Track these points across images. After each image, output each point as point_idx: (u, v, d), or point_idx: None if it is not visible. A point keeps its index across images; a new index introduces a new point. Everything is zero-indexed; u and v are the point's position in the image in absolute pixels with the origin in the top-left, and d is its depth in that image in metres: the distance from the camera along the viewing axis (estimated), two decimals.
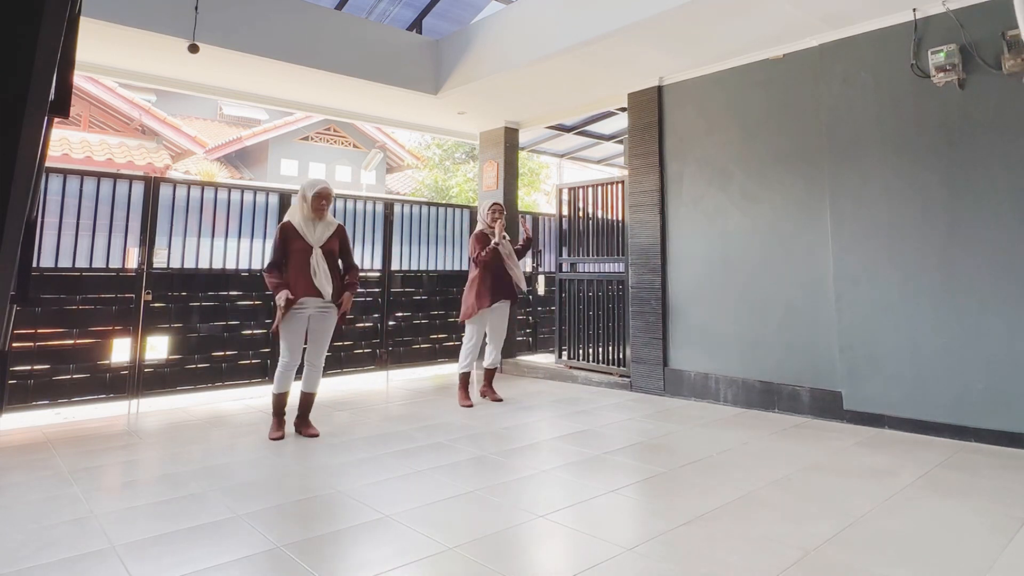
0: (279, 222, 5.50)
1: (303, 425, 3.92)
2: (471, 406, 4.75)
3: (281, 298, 3.70)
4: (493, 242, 4.75)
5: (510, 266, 4.84)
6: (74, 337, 4.54)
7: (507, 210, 6.93)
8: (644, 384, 5.34)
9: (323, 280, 3.82)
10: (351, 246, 4.16)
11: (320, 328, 3.89)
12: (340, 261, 4.02)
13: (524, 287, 4.93)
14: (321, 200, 3.89)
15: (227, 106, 15.94)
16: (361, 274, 6.13)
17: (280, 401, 3.88)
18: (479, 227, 4.92)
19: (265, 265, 3.82)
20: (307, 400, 3.95)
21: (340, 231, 4.04)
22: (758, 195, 4.76)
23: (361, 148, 15.23)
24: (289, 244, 3.83)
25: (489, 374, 5.02)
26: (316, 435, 3.85)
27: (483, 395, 4.97)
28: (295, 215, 3.90)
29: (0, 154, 0.78)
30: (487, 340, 4.96)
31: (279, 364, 3.85)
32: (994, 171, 3.67)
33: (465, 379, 4.86)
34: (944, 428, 3.76)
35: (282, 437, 3.82)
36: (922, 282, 3.90)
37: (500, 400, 4.92)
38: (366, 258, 6.24)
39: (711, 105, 5.11)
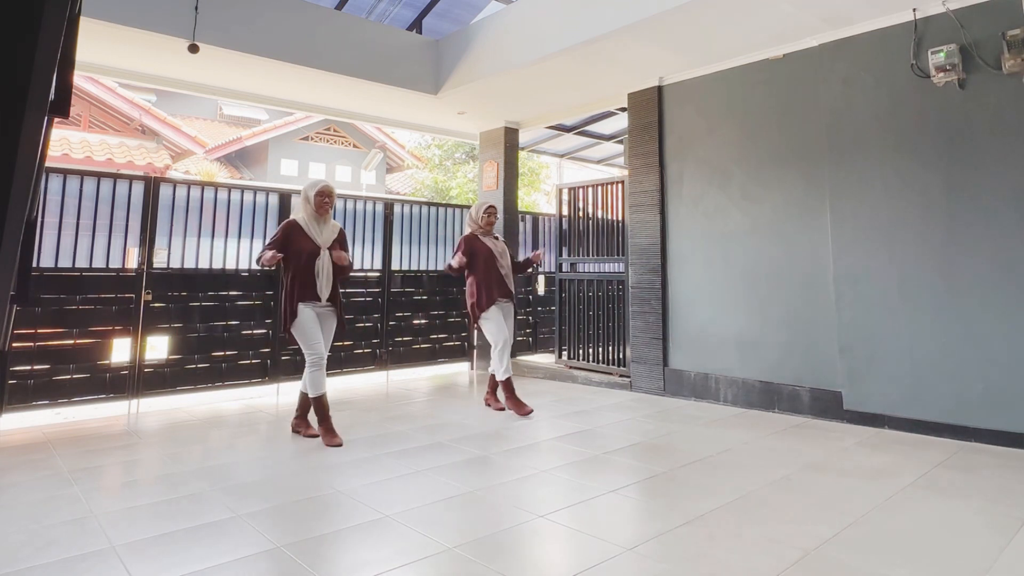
0: (279, 222, 5.54)
1: (303, 425, 3.91)
2: (502, 409, 4.61)
3: (268, 254, 3.66)
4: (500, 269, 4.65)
5: (502, 264, 4.70)
6: (74, 337, 4.54)
7: (507, 210, 6.95)
8: (644, 384, 5.34)
9: (324, 283, 3.82)
10: (347, 246, 4.17)
11: (323, 327, 3.89)
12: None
13: (512, 287, 4.76)
14: (324, 197, 3.88)
15: (227, 106, 15.94)
16: (361, 274, 6.16)
17: (322, 404, 3.72)
18: (468, 229, 4.84)
19: (263, 248, 3.76)
20: (307, 400, 3.91)
21: (342, 235, 4.07)
22: (758, 195, 4.76)
23: (361, 148, 15.23)
24: (295, 243, 3.80)
25: (494, 381, 4.74)
26: (317, 436, 3.80)
27: (486, 402, 4.78)
28: (299, 215, 3.89)
29: (0, 154, 0.78)
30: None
31: (308, 364, 3.73)
32: (994, 171, 3.67)
33: (508, 385, 4.56)
34: (944, 428, 3.76)
35: (340, 443, 3.64)
36: (922, 282, 3.90)
37: (503, 410, 4.62)
38: (366, 258, 6.24)
39: (711, 105, 5.11)
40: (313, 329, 3.75)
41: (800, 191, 4.53)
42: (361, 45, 5.58)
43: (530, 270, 4.93)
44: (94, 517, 2.52)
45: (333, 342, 4.02)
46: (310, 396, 3.77)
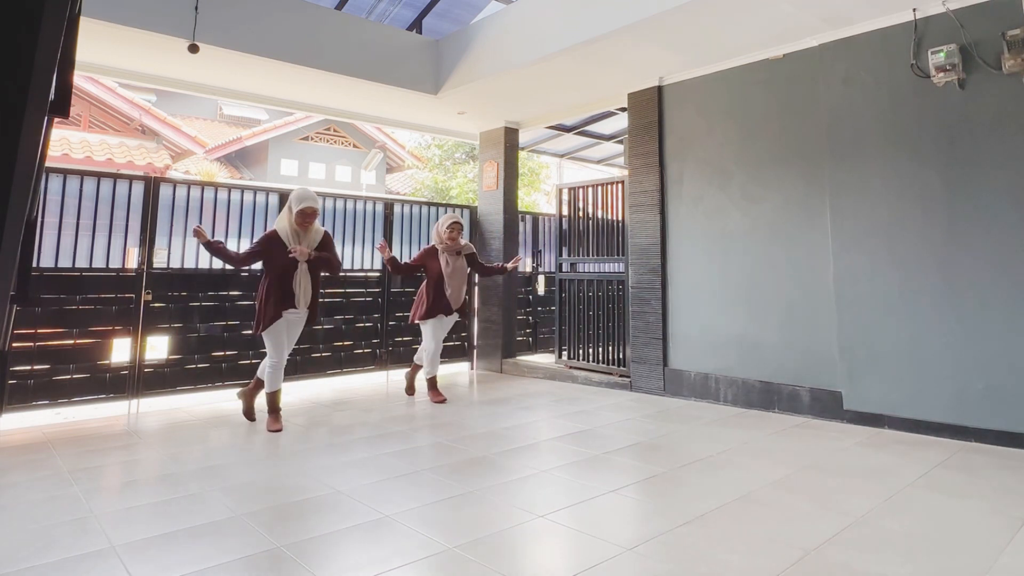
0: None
1: (251, 404, 4.27)
2: (444, 401, 4.94)
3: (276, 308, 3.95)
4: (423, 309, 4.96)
5: (449, 285, 4.93)
6: (74, 337, 4.54)
7: (507, 210, 6.95)
8: (644, 384, 5.34)
9: (302, 295, 4.05)
10: (334, 247, 4.34)
11: (291, 329, 4.15)
12: (324, 266, 4.23)
13: (456, 307, 5.01)
14: (305, 217, 4.03)
15: (227, 106, 15.94)
16: (361, 274, 6.16)
17: (274, 399, 4.10)
18: (433, 241, 5.03)
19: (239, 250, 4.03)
20: (260, 384, 4.22)
21: (325, 239, 4.22)
22: (758, 195, 4.76)
23: (361, 148, 15.22)
24: (275, 256, 3.98)
25: (416, 369, 5.23)
26: (279, 430, 4.05)
27: (406, 392, 5.22)
28: (282, 224, 4.05)
29: (0, 154, 0.78)
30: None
31: (268, 365, 4.08)
32: (994, 171, 3.67)
33: (433, 381, 5.04)
34: (944, 428, 3.76)
35: (280, 429, 4.03)
36: (922, 282, 3.90)
37: (443, 401, 4.95)
38: (366, 258, 6.24)
39: (711, 105, 5.11)
40: (281, 338, 4.07)
41: (800, 191, 4.53)
42: (361, 45, 5.58)
43: (502, 274, 5.32)
44: (94, 517, 2.52)
45: (304, 338, 4.33)
46: (266, 391, 4.10)
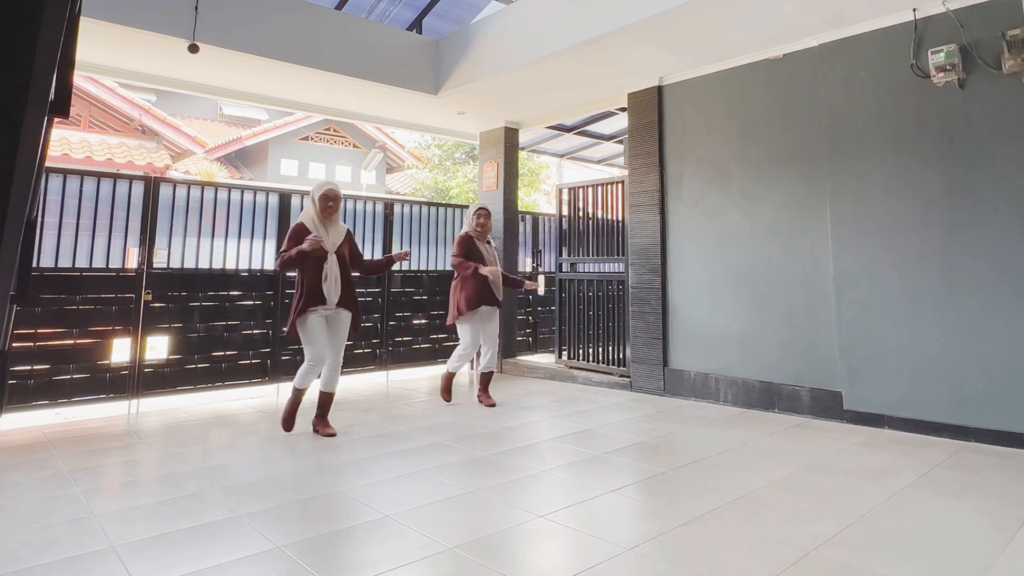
0: (279, 222, 5.55)
1: (321, 424, 3.94)
2: (492, 405, 4.77)
3: (308, 242, 3.67)
4: (489, 271, 4.72)
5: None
6: (74, 337, 4.54)
7: (507, 210, 6.96)
8: (644, 384, 5.34)
9: (332, 287, 3.84)
10: (357, 247, 4.21)
11: (335, 328, 3.92)
12: (351, 264, 4.05)
13: (500, 296, 4.85)
14: (328, 201, 3.89)
15: (227, 106, 15.93)
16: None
17: (298, 397, 3.90)
18: (465, 229, 4.90)
19: (278, 253, 3.78)
20: (326, 399, 3.96)
21: (350, 236, 4.08)
22: (758, 195, 4.76)
23: (361, 148, 15.22)
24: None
25: (485, 378, 4.88)
26: (333, 434, 3.86)
27: (479, 400, 4.84)
28: (307, 217, 3.90)
29: (0, 154, 0.78)
30: (481, 344, 4.88)
31: (305, 363, 3.83)
32: (994, 171, 3.67)
33: (450, 379, 4.89)
34: (944, 428, 3.76)
35: (290, 430, 3.95)
36: (922, 282, 3.90)
37: (493, 406, 4.75)
38: (366, 258, 6.24)
39: (711, 105, 5.11)
40: (317, 335, 3.80)
41: (800, 191, 4.53)
42: (361, 45, 5.58)
43: (522, 288, 5.17)
44: (94, 517, 2.52)
45: (347, 340, 4.07)
46: (294, 386, 3.88)
